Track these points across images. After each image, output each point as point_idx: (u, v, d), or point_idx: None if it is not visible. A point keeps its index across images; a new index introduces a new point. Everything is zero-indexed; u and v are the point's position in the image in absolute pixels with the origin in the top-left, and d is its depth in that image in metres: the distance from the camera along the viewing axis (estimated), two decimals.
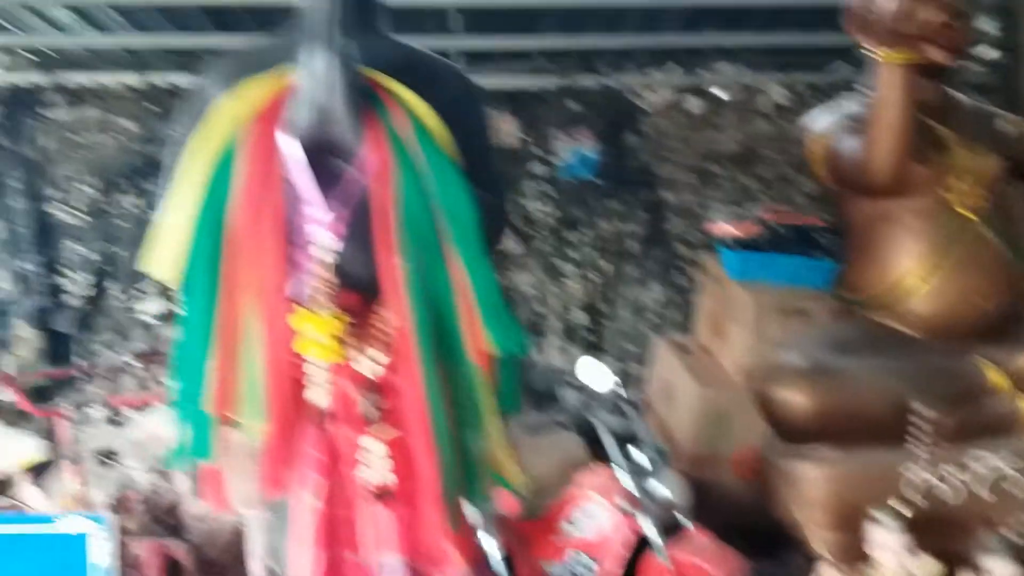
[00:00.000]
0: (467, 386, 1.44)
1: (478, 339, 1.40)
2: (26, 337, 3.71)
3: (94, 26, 4.36)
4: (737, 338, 3.11)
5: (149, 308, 3.76)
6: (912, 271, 2.41)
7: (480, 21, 4.19)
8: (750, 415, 2.80)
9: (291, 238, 1.39)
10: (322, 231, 1.37)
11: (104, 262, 3.75)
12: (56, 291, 3.75)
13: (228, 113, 1.36)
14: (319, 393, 1.43)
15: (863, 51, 2.29)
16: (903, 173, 2.27)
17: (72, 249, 3.75)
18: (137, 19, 4.26)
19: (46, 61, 4.15)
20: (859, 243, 2.56)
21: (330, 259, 1.37)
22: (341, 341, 1.38)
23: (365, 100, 1.34)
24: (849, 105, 2.52)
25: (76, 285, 3.75)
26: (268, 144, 1.33)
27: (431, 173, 1.35)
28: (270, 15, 4.06)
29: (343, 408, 1.43)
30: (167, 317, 3.78)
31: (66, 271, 3.75)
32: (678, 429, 3.18)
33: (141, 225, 3.74)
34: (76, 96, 3.84)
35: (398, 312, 1.37)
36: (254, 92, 1.36)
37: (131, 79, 3.85)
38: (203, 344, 1.37)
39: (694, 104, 3.95)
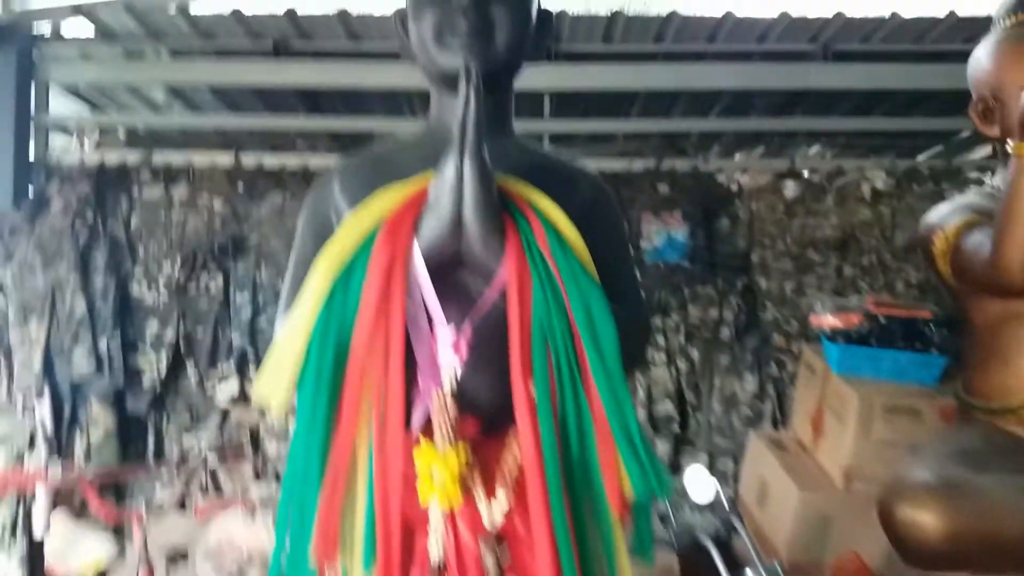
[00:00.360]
0: (599, 534, 1.24)
1: (615, 480, 1.20)
2: (100, 418, 3.62)
3: (187, 105, 4.46)
4: (838, 436, 2.93)
5: (226, 391, 3.69)
6: None
7: (567, 104, 4.18)
8: (852, 519, 2.63)
9: (414, 362, 1.22)
10: (446, 352, 1.21)
11: (182, 342, 3.68)
12: (132, 371, 3.67)
13: (356, 227, 1.21)
14: (433, 541, 1.23)
15: (995, 143, 2.15)
16: None
17: (151, 328, 3.69)
18: (230, 99, 4.35)
19: (136, 138, 4.24)
20: (983, 343, 2.36)
21: (451, 384, 1.21)
22: (460, 480, 1.19)
23: (504, 211, 1.19)
24: (974, 197, 2.36)
25: (152, 365, 3.67)
26: (394, 259, 1.18)
27: (570, 290, 1.18)
28: (360, 99, 4.12)
29: (459, 560, 1.22)
30: (242, 400, 3.72)
31: (144, 350, 3.68)
32: (772, 532, 2.99)
33: (221, 306, 3.72)
34: (164, 173, 3.82)
35: (528, 447, 1.18)
36: (385, 203, 1.21)
37: (221, 158, 3.84)
38: (313, 480, 1.19)
39: (790, 188, 3.83)
